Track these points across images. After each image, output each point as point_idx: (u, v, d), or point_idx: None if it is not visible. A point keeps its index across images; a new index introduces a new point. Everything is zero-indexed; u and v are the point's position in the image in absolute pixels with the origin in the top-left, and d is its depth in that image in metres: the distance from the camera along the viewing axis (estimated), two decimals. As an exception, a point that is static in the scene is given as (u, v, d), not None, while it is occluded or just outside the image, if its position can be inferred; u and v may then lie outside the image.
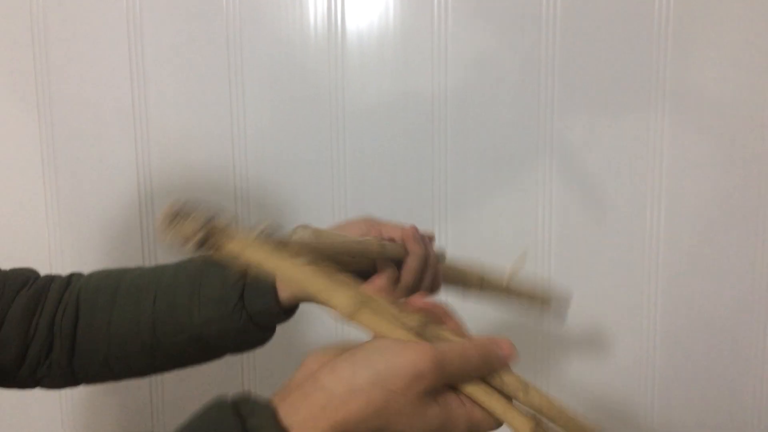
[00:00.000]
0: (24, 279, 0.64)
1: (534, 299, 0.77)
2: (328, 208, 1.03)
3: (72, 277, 0.66)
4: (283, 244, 0.47)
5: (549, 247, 1.05)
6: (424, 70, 1.01)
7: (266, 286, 0.60)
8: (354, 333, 0.42)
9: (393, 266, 0.61)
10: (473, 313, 1.00)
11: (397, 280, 0.61)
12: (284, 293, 0.61)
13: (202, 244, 0.46)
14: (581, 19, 1.00)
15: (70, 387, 0.66)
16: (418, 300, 0.44)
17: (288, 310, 0.63)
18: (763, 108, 1.02)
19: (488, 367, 0.41)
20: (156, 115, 1.02)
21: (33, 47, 1.01)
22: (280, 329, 1.02)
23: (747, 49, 1.01)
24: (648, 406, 1.08)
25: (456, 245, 1.04)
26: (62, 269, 1.04)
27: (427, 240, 0.65)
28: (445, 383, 0.39)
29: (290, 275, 0.45)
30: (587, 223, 1.04)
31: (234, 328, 0.61)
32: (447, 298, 0.60)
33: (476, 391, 0.40)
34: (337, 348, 0.40)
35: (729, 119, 1.02)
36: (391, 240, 0.62)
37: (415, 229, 0.63)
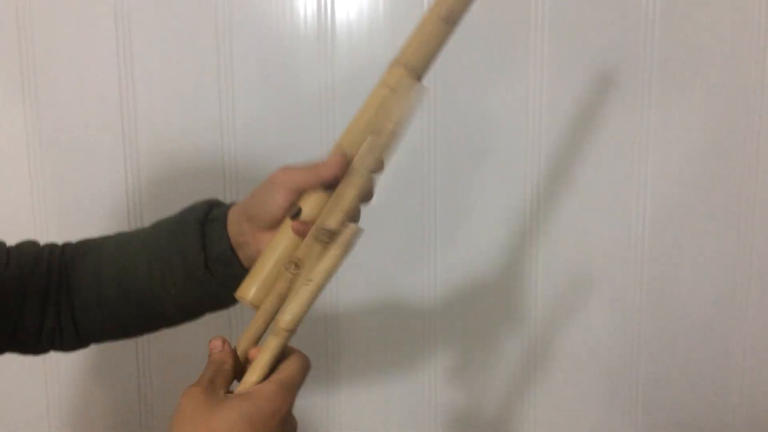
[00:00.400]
0: (35, 254, 0.67)
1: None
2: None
3: (64, 252, 0.69)
4: None
5: (537, 237, 1.06)
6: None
7: (227, 250, 0.62)
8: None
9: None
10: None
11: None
12: (246, 253, 0.62)
13: None
14: (569, 9, 1.01)
15: (80, 349, 0.71)
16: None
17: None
18: (750, 95, 1.03)
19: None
20: (144, 105, 1.01)
21: (18, 35, 1.00)
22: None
23: (735, 31, 1.02)
24: (633, 403, 1.10)
25: (444, 223, 1.05)
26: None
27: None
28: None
29: None
30: (573, 212, 1.06)
31: (209, 294, 0.64)
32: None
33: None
34: (206, 391, 0.51)
35: (715, 106, 1.03)
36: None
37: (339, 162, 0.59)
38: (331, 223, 0.54)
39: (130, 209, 1.03)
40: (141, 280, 0.64)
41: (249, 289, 0.58)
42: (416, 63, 0.59)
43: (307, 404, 1.08)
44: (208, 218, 0.63)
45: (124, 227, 1.03)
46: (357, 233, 0.53)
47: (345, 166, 0.57)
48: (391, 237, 1.05)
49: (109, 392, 1.08)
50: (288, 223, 0.58)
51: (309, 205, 0.58)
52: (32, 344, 0.67)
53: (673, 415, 1.10)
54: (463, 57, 1.01)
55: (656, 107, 1.03)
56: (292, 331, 0.53)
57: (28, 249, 0.68)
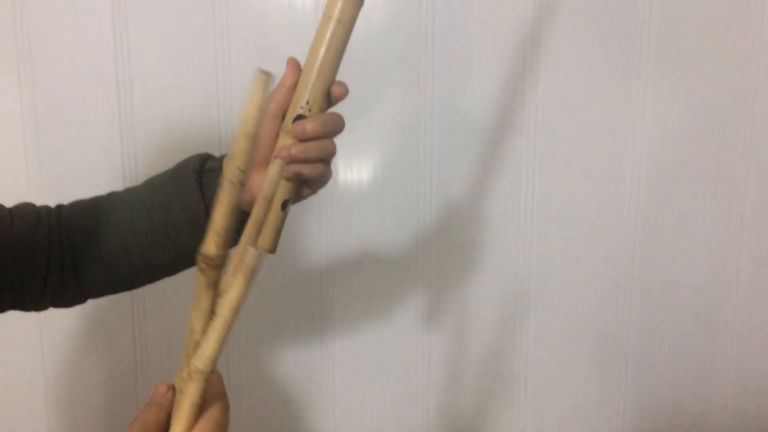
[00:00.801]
0: (35, 215, 0.69)
1: None
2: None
3: (60, 214, 0.70)
4: None
5: (530, 211, 1.06)
6: (411, 43, 1.01)
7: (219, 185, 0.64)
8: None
9: None
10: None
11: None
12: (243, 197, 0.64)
13: None
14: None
15: (79, 304, 0.73)
16: None
17: None
18: (745, 71, 1.04)
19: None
20: (140, 79, 1.01)
21: (13, 8, 0.99)
22: (270, 297, 1.02)
23: (730, 9, 1.02)
24: (622, 371, 1.12)
25: (440, 208, 1.06)
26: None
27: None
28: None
29: None
30: (567, 185, 1.06)
31: None
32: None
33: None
34: None
35: (711, 82, 1.04)
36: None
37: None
38: (209, 249, 0.51)
39: (126, 179, 1.03)
40: (142, 232, 0.66)
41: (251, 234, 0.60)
42: None
43: (304, 355, 1.10)
44: (204, 169, 0.66)
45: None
46: (258, 257, 0.48)
47: (299, 68, 0.61)
48: (387, 209, 1.06)
49: (104, 362, 1.09)
50: (273, 167, 0.60)
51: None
52: (36, 300, 0.69)
53: (662, 384, 1.12)
54: (461, 39, 1.01)
55: (652, 82, 1.03)
56: (209, 372, 0.50)
57: (29, 209, 0.69)
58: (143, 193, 0.68)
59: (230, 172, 0.50)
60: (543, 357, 1.11)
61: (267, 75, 0.51)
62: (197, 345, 0.51)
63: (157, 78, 1.01)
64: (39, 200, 1.02)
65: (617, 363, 1.11)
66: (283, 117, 0.61)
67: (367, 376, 1.11)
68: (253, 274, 0.48)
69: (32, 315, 1.04)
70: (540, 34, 1.02)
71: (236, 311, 0.50)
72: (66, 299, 0.71)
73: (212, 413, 0.51)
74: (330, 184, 0.65)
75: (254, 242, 0.59)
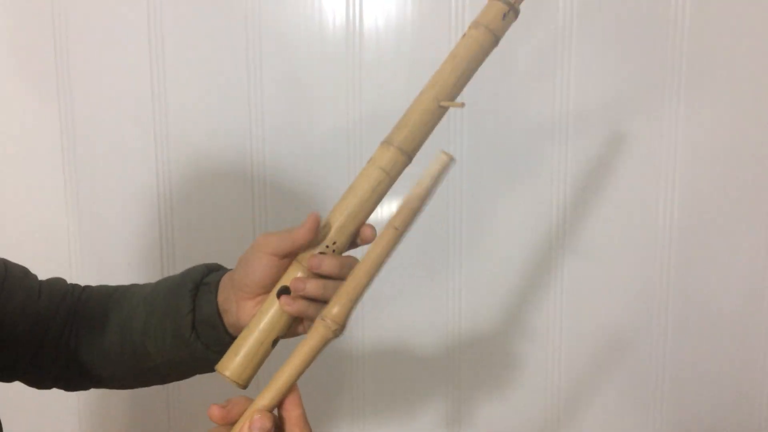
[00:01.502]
0: (63, 291, 0.70)
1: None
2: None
3: (81, 295, 0.72)
4: None
5: (562, 237, 1.05)
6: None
7: (213, 314, 0.64)
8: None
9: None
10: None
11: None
12: (229, 319, 0.64)
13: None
14: (597, 10, 1.01)
15: (81, 390, 0.74)
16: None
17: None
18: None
19: None
20: (175, 108, 1.03)
21: (53, 35, 1.02)
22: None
23: (763, 33, 1.01)
24: (657, 400, 1.09)
25: (470, 231, 1.05)
26: (80, 261, 1.06)
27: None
28: None
29: None
30: (600, 215, 1.05)
31: (194, 356, 0.66)
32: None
33: None
34: None
35: (745, 106, 1.03)
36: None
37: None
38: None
39: (160, 207, 1.05)
40: (137, 334, 0.67)
41: (228, 363, 0.58)
42: (409, 146, 0.59)
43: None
44: (203, 282, 0.66)
45: (154, 227, 1.05)
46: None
47: (317, 229, 0.58)
48: (414, 244, 1.06)
49: (137, 407, 1.09)
50: (270, 300, 0.59)
51: (290, 278, 0.59)
52: (41, 377, 0.70)
53: (697, 413, 1.09)
54: (491, 67, 1.01)
55: (685, 108, 1.02)
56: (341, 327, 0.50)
57: (57, 285, 0.71)
58: (147, 296, 0.68)
59: (393, 220, 0.52)
60: (576, 384, 1.08)
61: (449, 158, 0.51)
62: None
63: (192, 108, 1.03)
64: (75, 226, 1.05)
65: (652, 392, 1.09)
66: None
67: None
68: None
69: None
70: (570, 58, 1.02)
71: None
72: (70, 384, 0.72)
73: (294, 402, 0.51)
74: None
75: (227, 369, 0.58)
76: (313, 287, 0.58)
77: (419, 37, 1.01)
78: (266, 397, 0.51)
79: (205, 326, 0.64)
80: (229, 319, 0.63)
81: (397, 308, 1.07)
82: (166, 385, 1.08)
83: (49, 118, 1.04)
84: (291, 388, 0.51)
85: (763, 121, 1.03)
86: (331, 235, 0.59)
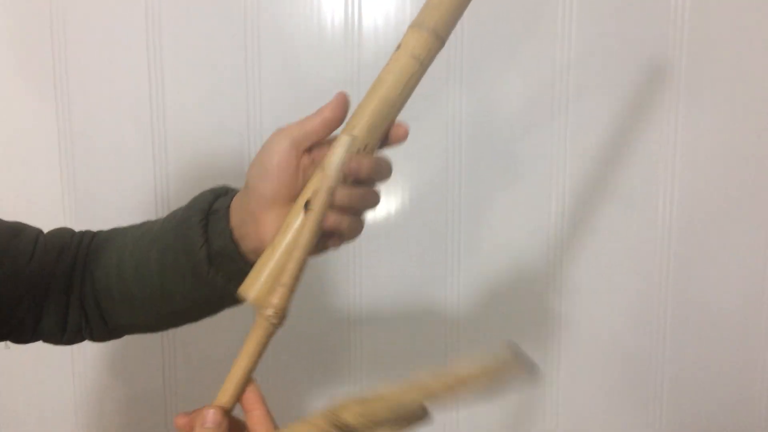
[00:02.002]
0: (61, 246, 0.65)
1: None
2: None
3: (90, 244, 0.67)
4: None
5: (561, 237, 1.05)
6: (440, 65, 1.01)
7: (229, 243, 0.57)
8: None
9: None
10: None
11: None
12: (249, 245, 0.57)
13: None
14: (597, 13, 1.01)
15: (111, 339, 0.69)
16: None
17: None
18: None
19: None
20: (172, 105, 1.03)
21: (51, 34, 1.02)
22: (297, 343, 1.01)
23: (761, 39, 1.01)
24: (656, 401, 1.09)
25: (469, 232, 1.05)
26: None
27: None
28: None
29: None
30: (599, 216, 1.05)
31: (216, 291, 0.60)
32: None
33: None
34: None
35: (743, 111, 1.03)
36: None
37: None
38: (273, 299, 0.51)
39: (158, 207, 1.05)
40: (153, 276, 0.60)
41: (251, 287, 0.52)
42: (445, 28, 0.52)
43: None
44: (211, 209, 0.59)
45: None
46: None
47: (346, 109, 0.53)
48: (414, 242, 1.06)
49: (134, 385, 1.09)
50: (295, 211, 0.52)
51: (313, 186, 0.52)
52: (57, 335, 0.66)
53: (696, 412, 1.09)
54: (489, 62, 1.02)
55: (684, 110, 1.02)
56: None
57: (57, 240, 0.66)
58: (157, 233, 0.62)
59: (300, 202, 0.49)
60: (574, 385, 1.08)
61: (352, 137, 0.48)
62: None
63: (190, 107, 1.03)
64: (73, 224, 1.04)
65: (651, 391, 1.08)
66: (310, 148, 0.53)
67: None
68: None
69: (63, 358, 1.07)
70: (570, 62, 1.02)
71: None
72: (94, 335, 0.67)
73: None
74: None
75: (250, 292, 0.52)
76: (346, 196, 0.51)
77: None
78: (224, 396, 0.51)
79: (221, 258, 0.57)
80: (248, 245, 0.55)
81: (395, 308, 1.07)
82: (163, 383, 1.08)
83: (47, 118, 1.03)
84: (246, 384, 0.51)
85: (762, 123, 1.03)
86: (362, 137, 0.51)
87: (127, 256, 0.62)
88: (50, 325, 0.64)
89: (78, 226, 1.05)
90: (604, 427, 1.10)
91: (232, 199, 0.58)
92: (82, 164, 1.04)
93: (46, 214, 1.05)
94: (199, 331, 1.07)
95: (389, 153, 0.55)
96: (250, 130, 1.03)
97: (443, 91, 1.02)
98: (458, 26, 1.00)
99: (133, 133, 1.04)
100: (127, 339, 1.07)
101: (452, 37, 1.02)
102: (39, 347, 1.06)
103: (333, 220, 0.51)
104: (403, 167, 1.03)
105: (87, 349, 1.08)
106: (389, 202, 1.04)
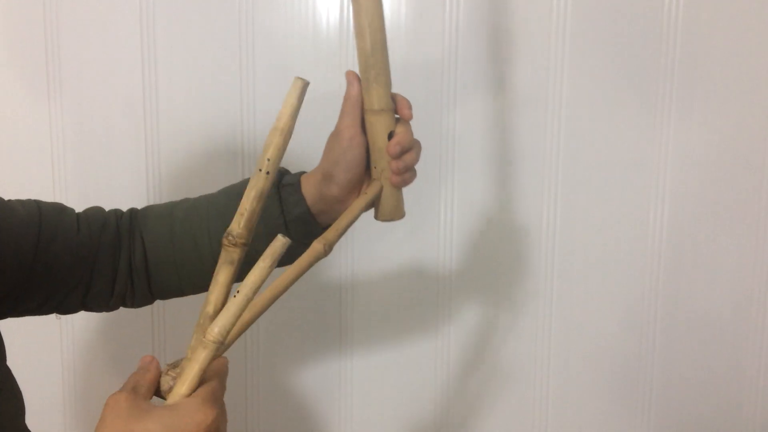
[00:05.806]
0: (102, 220, 0.71)
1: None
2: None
3: (132, 218, 0.73)
4: None
5: (552, 240, 1.06)
6: (435, 61, 1.02)
7: (305, 212, 0.69)
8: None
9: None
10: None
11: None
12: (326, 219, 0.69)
13: None
14: (590, 17, 1.01)
15: (149, 305, 0.76)
16: None
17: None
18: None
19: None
20: (166, 103, 1.03)
21: (44, 31, 1.02)
22: (289, 309, 1.01)
23: (754, 48, 1.02)
24: (645, 406, 1.10)
25: (461, 236, 1.05)
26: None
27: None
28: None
29: None
30: (591, 221, 1.06)
31: (287, 252, 0.65)
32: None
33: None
34: (129, 398, 0.52)
35: (735, 117, 1.03)
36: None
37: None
38: (233, 227, 0.57)
39: (150, 198, 1.05)
40: (213, 244, 0.68)
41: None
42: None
43: (321, 367, 1.10)
44: (282, 183, 0.69)
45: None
46: (284, 245, 0.53)
47: (358, 79, 0.68)
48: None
49: (124, 374, 1.08)
50: (374, 186, 0.67)
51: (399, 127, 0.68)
52: (104, 303, 0.72)
53: (686, 418, 1.10)
54: (482, 63, 1.02)
55: (676, 114, 1.03)
56: (221, 343, 0.54)
57: (96, 214, 0.72)
58: (219, 204, 0.70)
59: (260, 162, 0.56)
60: (564, 389, 1.09)
61: (303, 82, 0.58)
62: (212, 316, 0.56)
63: (184, 105, 1.03)
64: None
65: (640, 396, 1.09)
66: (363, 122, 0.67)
67: (385, 389, 1.10)
68: (276, 259, 0.54)
69: (51, 326, 1.07)
70: (562, 68, 1.02)
71: (255, 290, 0.54)
72: (135, 301, 0.73)
73: (212, 384, 0.54)
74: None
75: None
76: (409, 155, 0.68)
77: (413, 37, 1.01)
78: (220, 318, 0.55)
79: (298, 224, 0.68)
80: (324, 219, 0.69)
81: (389, 311, 1.08)
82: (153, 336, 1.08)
83: (40, 114, 1.03)
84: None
85: (754, 129, 1.03)
86: (388, 100, 0.67)
87: (183, 226, 0.71)
88: (98, 292, 0.70)
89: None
90: (594, 430, 1.11)
91: (299, 176, 0.70)
92: (74, 159, 1.04)
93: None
94: (190, 317, 1.06)
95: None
96: (244, 127, 1.03)
97: (438, 78, 1.02)
98: (454, 23, 1.00)
99: (126, 128, 1.04)
100: (117, 327, 1.08)
101: (449, 33, 1.02)
102: (25, 336, 1.07)
103: (408, 177, 0.68)
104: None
105: (76, 337, 1.09)
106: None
